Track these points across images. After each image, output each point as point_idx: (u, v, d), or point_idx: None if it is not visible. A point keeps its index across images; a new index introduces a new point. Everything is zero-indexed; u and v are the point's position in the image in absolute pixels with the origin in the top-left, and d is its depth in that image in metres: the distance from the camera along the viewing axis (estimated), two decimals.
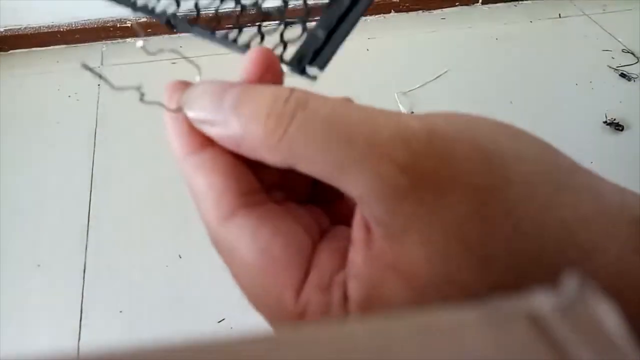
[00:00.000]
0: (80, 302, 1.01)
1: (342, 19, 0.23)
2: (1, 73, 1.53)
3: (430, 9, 1.83)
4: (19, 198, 1.19)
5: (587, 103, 1.49)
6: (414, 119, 0.14)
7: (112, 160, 1.28)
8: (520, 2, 1.94)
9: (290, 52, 0.23)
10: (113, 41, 1.67)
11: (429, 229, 0.13)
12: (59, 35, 1.62)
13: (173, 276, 1.05)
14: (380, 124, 0.14)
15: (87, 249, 1.10)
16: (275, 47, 0.23)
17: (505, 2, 1.94)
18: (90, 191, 1.21)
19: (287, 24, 0.24)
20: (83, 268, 1.06)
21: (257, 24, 0.25)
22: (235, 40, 0.24)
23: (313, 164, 0.14)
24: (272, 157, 0.15)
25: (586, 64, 1.64)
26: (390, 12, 1.78)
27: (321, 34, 0.23)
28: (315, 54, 0.22)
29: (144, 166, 1.27)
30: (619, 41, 1.74)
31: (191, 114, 0.16)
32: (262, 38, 0.24)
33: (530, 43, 1.73)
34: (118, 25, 1.63)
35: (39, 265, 1.06)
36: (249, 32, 0.25)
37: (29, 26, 1.59)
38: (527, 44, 1.73)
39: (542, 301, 0.09)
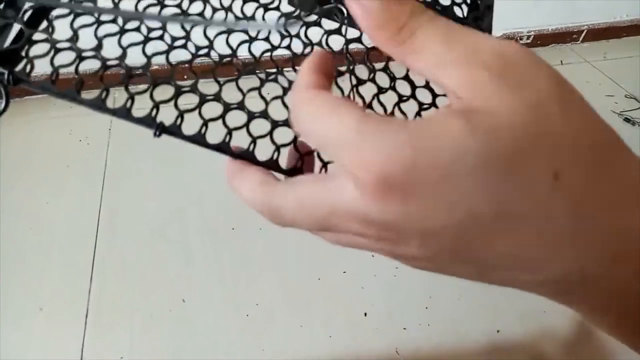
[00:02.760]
0: (80, 347, 0.99)
1: None
2: (16, 119, 1.57)
3: None
4: (25, 240, 1.20)
5: None
6: (507, 43, 0.17)
7: (119, 204, 1.29)
8: None
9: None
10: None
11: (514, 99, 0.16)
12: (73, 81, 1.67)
13: (176, 321, 1.04)
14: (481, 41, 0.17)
15: (91, 292, 1.09)
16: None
17: None
18: (97, 235, 1.21)
19: None
20: (86, 312, 1.05)
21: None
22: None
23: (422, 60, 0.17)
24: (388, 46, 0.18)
25: None
26: None
27: None
28: None
29: (149, 211, 1.28)
30: (621, 87, 1.76)
31: None
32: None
33: None
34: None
35: (41, 309, 1.05)
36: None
37: (45, 73, 1.64)
38: None
39: None
